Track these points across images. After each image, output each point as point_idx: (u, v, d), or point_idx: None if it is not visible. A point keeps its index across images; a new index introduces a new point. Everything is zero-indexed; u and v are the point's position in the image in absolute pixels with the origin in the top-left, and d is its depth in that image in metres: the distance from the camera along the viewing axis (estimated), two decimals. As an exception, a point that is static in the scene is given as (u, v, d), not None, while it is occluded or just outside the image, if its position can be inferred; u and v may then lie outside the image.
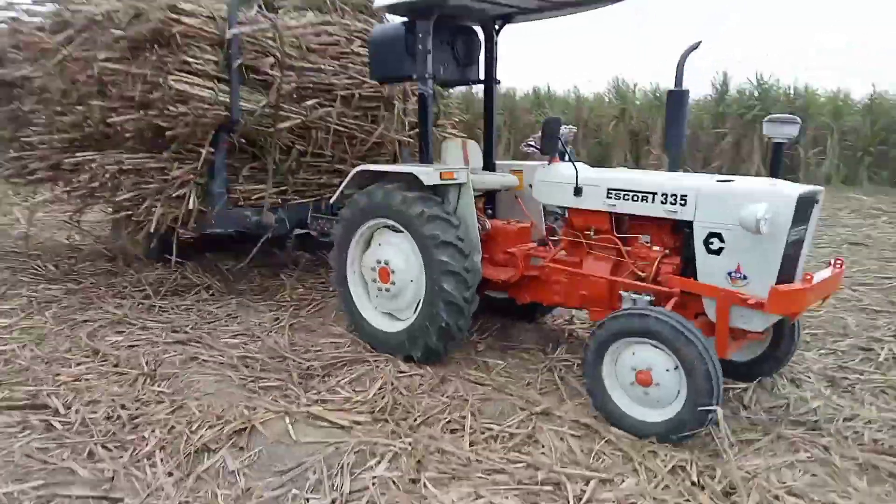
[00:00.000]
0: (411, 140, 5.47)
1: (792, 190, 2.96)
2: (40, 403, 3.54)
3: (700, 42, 3.32)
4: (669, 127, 3.34)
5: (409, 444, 3.17)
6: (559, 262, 3.80)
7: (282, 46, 4.56)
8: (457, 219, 3.79)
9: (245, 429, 3.25)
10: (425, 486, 2.78)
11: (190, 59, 4.23)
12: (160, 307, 5.26)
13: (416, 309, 4.08)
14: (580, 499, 2.70)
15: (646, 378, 3.01)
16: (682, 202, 3.16)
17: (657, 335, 2.93)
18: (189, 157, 4.61)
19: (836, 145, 18.39)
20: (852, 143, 18.24)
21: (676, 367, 2.94)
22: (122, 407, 3.51)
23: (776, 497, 2.69)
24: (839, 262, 3.24)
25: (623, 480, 2.85)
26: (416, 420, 3.46)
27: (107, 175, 4.68)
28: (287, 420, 3.33)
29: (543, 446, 3.21)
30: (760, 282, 2.94)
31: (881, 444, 3.19)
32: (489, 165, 4.60)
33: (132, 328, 4.73)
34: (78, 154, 4.96)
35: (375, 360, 4.22)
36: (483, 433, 3.35)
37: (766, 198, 2.88)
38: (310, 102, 4.82)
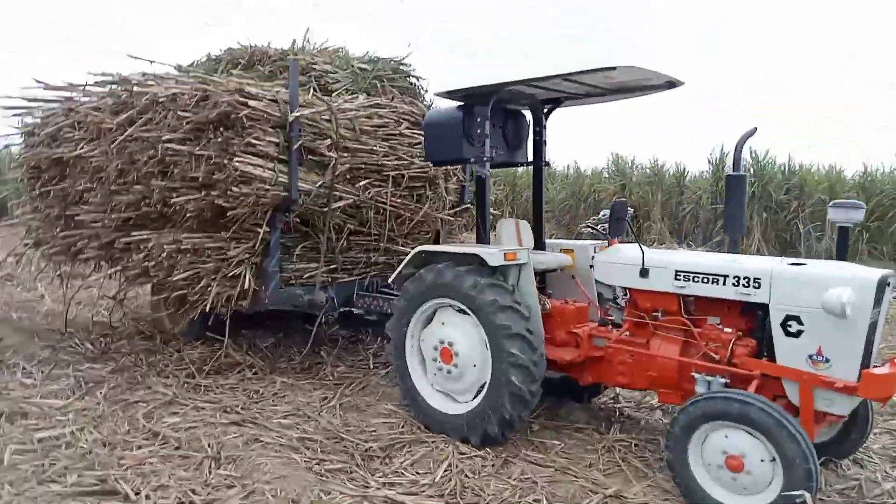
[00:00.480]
0: (451, 218, 5.62)
1: (872, 274, 3.07)
2: (109, 489, 3.50)
3: (756, 129, 3.50)
4: (728, 210, 3.46)
5: (491, 529, 3.15)
6: (624, 342, 3.86)
7: (337, 128, 4.73)
8: (527, 309, 3.85)
9: (325, 514, 3.23)
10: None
11: (254, 141, 4.36)
12: (206, 386, 5.25)
13: (476, 393, 4.11)
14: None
15: (737, 464, 3.02)
16: (756, 285, 3.27)
17: (758, 425, 2.93)
18: (245, 237, 4.71)
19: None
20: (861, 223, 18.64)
21: (773, 460, 2.94)
22: (193, 492, 3.48)
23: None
24: None
25: (716, 567, 2.84)
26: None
27: (163, 254, 4.77)
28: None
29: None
30: (845, 365, 3.01)
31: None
32: (539, 245, 4.70)
33: (185, 409, 4.71)
34: (134, 233, 5.06)
35: (433, 441, 4.21)
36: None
37: (849, 282, 2.99)
38: (363, 183, 4.97)
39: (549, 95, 4.39)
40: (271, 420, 4.56)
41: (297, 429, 4.41)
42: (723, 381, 3.37)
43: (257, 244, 4.64)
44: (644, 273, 3.66)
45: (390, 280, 4.55)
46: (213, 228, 4.77)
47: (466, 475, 3.77)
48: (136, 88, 4.93)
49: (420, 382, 4.32)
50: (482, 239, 4.22)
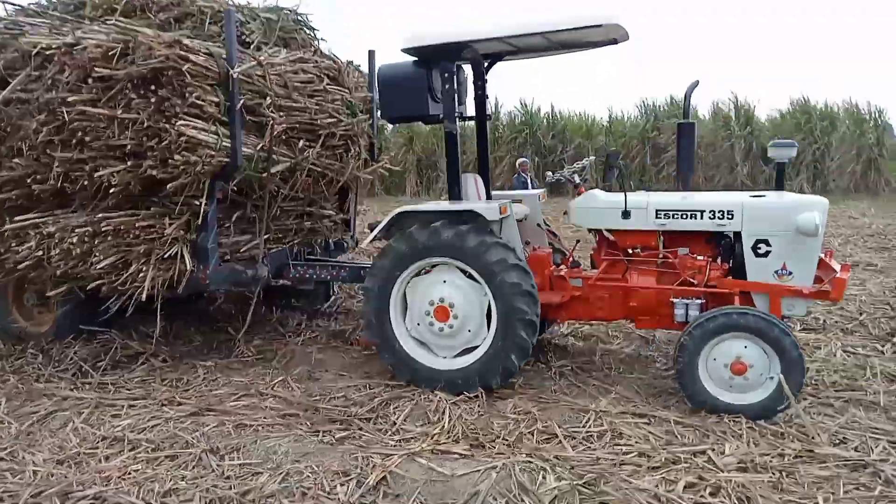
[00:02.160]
0: (370, 177, 5.51)
1: (822, 199, 3.81)
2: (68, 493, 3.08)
3: (698, 81, 4.06)
4: (680, 154, 4.01)
5: (537, 458, 3.40)
6: (604, 280, 4.25)
7: (271, 85, 4.35)
8: (511, 243, 4.06)
9: (384, 477, 3.22)
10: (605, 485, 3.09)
11: (199, 102, 3.83)
12: (113, 383, 4.64)
13: (459, 353, 4.26)
14: (720, 467, 3.22)
15: (741, 369, 3.62)
16: (730, 216, 3.86)
17: (785, 354, 3.51)
18: (174, 212, 4.17)
19: (592, 161, 21.54)
20: (602, 158, 21.57)
21: (772, 378, 3.59)
22: (216, 488, 3.21)
23: (838, 432, 3.54)
24: (830, 252, 4.19)
25: (725, 447, 3.45)
26: (506, 439, 3.69)
27: (73, 240, 4.04)
28: (422, 459, 3.37)
29: (631, 437, 3.68)
30: (804, 275, 3.74)
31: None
32: (489, 198, 4.85)
33: (120, 409, 4.16)
34: (18, 218, 4.18)
35: (411, 394, 4.30)
36: (573, 437, 3.72)
37: (814, 207, 3.68)
38: (301, 144, 4.63)
39: (491, 49, 4.49)
40: (227, 404, 4.25)
41: (265, 409, 4.18)
42: (699, 302, 3.95)
43: (195, 218, 4.15)
44: (626, 214, 4.09)
45: (363, 245, 4.41)
46: (131, 204, 4.15)
47: (465, 418, 3.95)
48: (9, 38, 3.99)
49: (399, 329, 4.30)
50: (454, 195, 4.29)
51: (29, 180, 4.17)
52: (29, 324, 5.33)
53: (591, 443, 3.65)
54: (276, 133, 4.29)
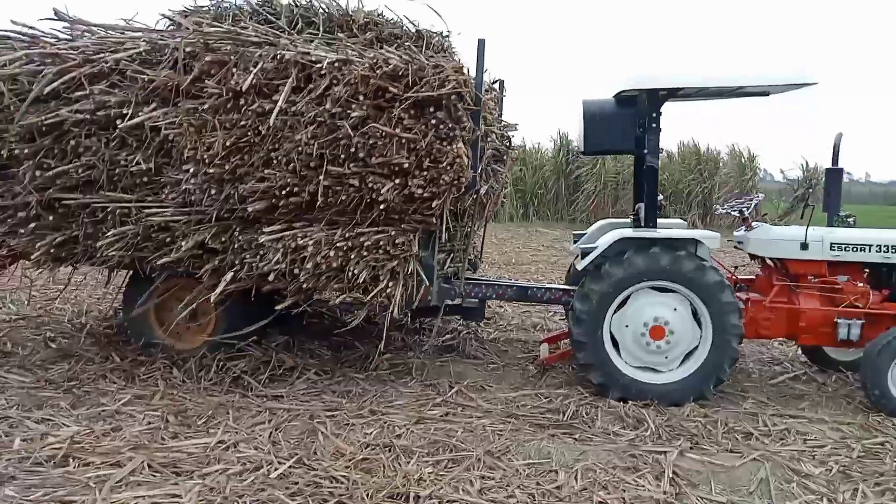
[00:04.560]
0: (504, 199, 5.81)
1: None
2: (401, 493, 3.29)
3: (842, 133, 4.88)
4: (828, 198, 4.79)
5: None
6: (777, 303, 4.86)
7: (487, 110, 4.57)
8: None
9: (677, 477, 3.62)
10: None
11: (469, 126, 4.06)
12: (285, 395, 4.64)
13: (646, 368, 4.70)
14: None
15: None
16: (894, 250, 4.67)
17: None
18: (414, 230, 4.31)
19: (511, 191, 22.73)
20: (522, 189, 22.86)
21: None
22: (525, 485, 3.45)
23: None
24: None
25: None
26: (714, 438, 4.20)
27: (330, 254, 4.10)
28: (692, 455, 3.84)
29: (810, 433, 4.32)
30: None
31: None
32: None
33: (337, 417, 4.24)
34: (269, 230, 4.19)
35: (592, 401, 4.68)
36: (768, 435, 4.29)
37: None
38: (495, 166, 4.91)
39: (686, 93, 4.88)
40: (425, 412, 4.42)
41: (471, 416, 4.39)
42: (860, 322, 4.68)
43: (425, 237, 4.35)
44: (804, 246, 4.76)
45: (580, 267, 4.69)
46: (371, 221, 4.26)
47: (659, 421, 4.41)
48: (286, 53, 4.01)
49: (605, 322, 4.62)
50: (651, 224, 4.75)
51: (284, 192, 4.14)
52: (182, 343, 5.16)
53: (785, 438, 4.26)
54: (485, 155, 4.59)
